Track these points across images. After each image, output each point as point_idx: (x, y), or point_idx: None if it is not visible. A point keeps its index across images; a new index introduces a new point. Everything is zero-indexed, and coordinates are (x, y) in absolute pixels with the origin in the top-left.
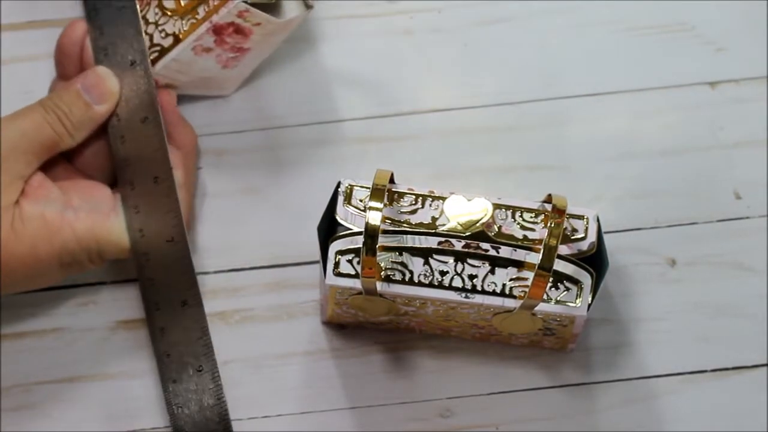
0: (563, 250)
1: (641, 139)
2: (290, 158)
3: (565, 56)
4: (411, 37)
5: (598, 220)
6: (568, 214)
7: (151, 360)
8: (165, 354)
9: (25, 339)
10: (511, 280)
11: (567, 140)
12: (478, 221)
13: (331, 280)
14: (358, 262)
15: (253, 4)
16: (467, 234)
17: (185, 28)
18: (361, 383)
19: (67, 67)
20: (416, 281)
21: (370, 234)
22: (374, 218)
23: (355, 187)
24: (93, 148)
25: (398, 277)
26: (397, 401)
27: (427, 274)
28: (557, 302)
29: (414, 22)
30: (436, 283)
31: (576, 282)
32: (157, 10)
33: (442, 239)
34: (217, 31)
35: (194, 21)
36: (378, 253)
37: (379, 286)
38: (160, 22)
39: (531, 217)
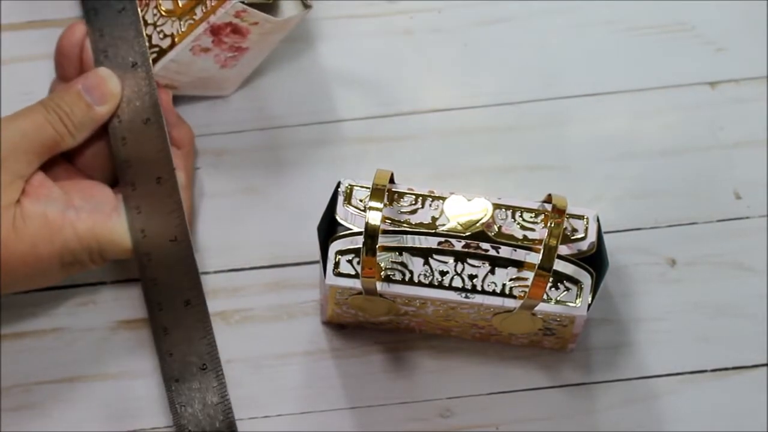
0: (563, 250)
1: (641, 139)
2: (290, 158)
3: (565, 56)
4: (411, 37)
5: (598, 220)
6: (568, 214)
7: (152, 360)
8: (168, 353)
9: (25, 339)
10: (511, 280)
11: (567, 140)
12: (478, 221)
13: (331, 280)
14: (358, 262)
15: (250, 4)
16: (467, 234)
17: (183, 29)
18: (361, 383)
19: (67, 68)
20: (416, 281)
21: (370, 234)
22: (374, 218)
23: (355, 187)
24: (93, 148)
25: (398, 277)
26: (397, 401)
27: (427, 274)
28: (557, 302)
29: (414, 22)
30: (436, 283)
31: (576, 282)
32: (155, 11)
33: (442, 239)
34: (215, 31)
35: (192, 22)
36: (378, 253)
37: (379, 286)
38: (158, 23)
39: (531, 217)
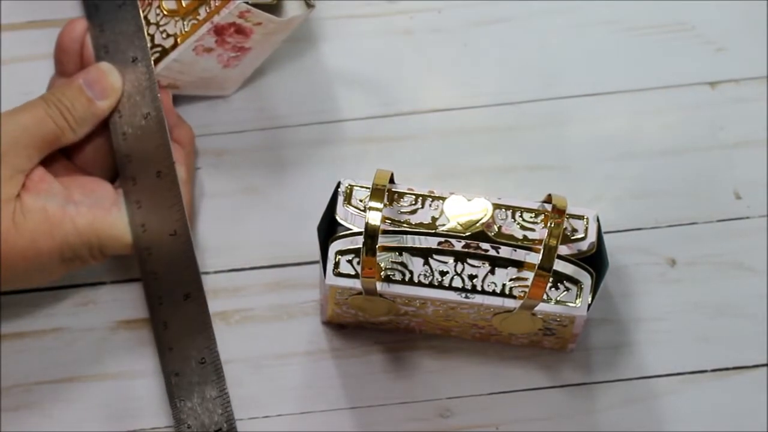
0: (563, 250)
1: (641, 139)
2: (290, 158)
3: (565, 56)
4: (411, 37)
5: (598, 220)
6: (568, 214)
7: (152, 359)
8: (168, 348)
9: (25, 339)
10: (511, 280)
11: (567, 140)
12: (478, 221)
13: (331, 280)
14: (358, 262)
15: (254, 5)
16: (467, 234)
17: (186, 29)
18: (361, 383)
19: (67, 64)
20: (416, 281)
21: (370, 234)
22: (374, 218)
23: (355, 187)
24: (93, 144)
25: (398, 277)
26: (397, 401)
27: (427, 274)
28: (557, 302)
29: (414, 22)
30: (436, 283)
31: (576, 282)
32: (158, 10)
33: (442, 239)
34: (219, 31)
35: (195, 22)
36: (378, 253)
37: (379, 286)
38: (161, 23)
39: (531, 217)
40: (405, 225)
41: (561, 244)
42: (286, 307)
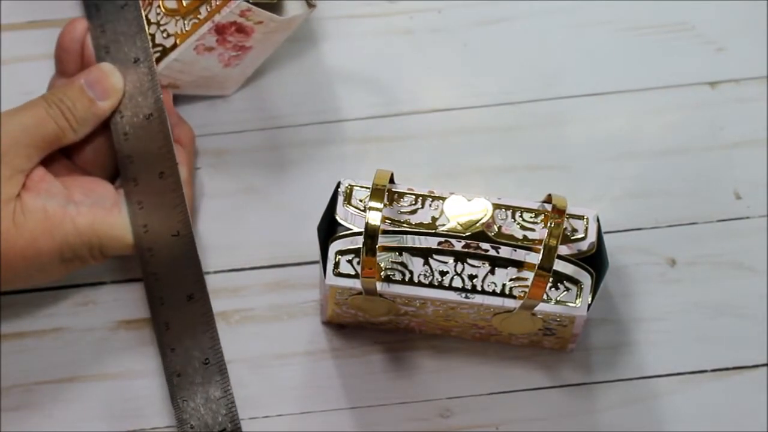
0: (563, 250)
1: (641, 139)
2: (290, 158)
3: (565, 56)
4: (411, 37)
5: (598, 220)
6: (568, 214)
7: (152, 359)
8: (169, 348)
9: (25, 339)
10: (511, 280)
11: (567, 140)
12: (478, 221)
13: (331, 280)
14: (358, 262)
15: (255, 3)
16: (467, 234)
17: (187, 28)
18: (361, 383)
19: (67, 64)
20: (416, 281)
21: (370, 234)
22: (374, 218)
23: (355, 187)
24: (93, 144)
25: (398, 277)
26: (397, 401)
27: (427, 274)
28: (557, 302)
29: (414, 22)
30: (436, 283)
31: (576, 282)
32: (159, 10)
33: (442, 239)
34: (220, 30)
35: (196, 21)
36: (378, 253)
37: (379, 286)
38: (162, 23)
39: (531, 217)
40: (405, 225)
41: (561, 244)
42: (286, 307)
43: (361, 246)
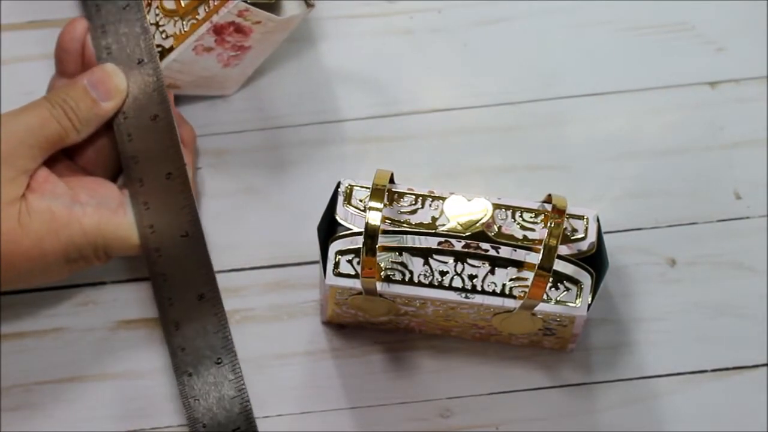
0: (563, 250)
1: (641, 139)
2: (290, 158)
3: (565, 56)
4: (411, 37)
5: (598, 220)
6: (568, 214)
7: (152, 359)
8: (179, 348)
9: (25, 339)
10: (511, 280)
11: (567, 140)
12: (478, 221)
13: (331, 280)
14: (358, 262)
15: (253, 3)
16: (467, 234)
17: (186, 29)
18: (361, 383)
19: (68, 64)
20: (416, 281)
21: (370, 234)
22: (374, 218)
23: (355, 187)
24: (95, 145)
25: (398, 277)
26: (397, 401)
27: (427, 274)
28: (557, 302)
29: (414, 22)
30: (436, 283)
31: (576, 282)
32: (157, 11)
33: (442, 239)
34: (218, 30)
35: (195, 21)
36: (378, 253)
37: (379, 286)
38: (160, 23)
39: (531, 217)
40: (405, 225)
41: (561, 244)
42: (286, 307)
43: (361, 246)
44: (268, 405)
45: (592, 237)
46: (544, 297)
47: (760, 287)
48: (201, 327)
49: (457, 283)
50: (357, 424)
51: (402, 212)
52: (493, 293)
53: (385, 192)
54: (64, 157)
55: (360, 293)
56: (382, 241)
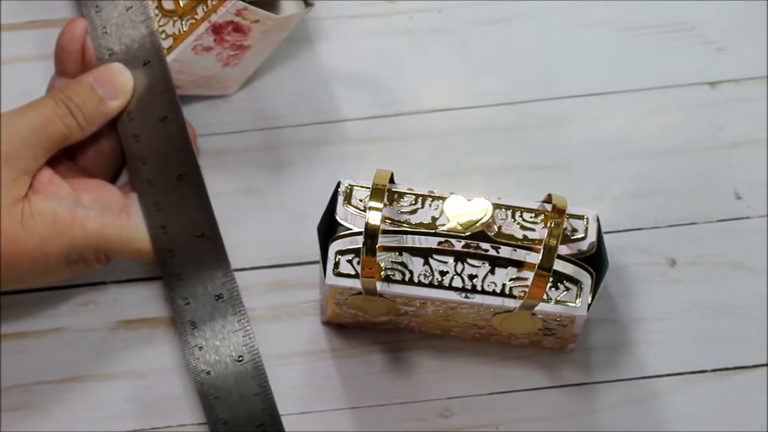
0: (563, 250)
1: (641, 139)
2: (290, 158)
3: (565, 56)
4: (411, 37)
5: (598, 220)
6: (568, 214)
7: (152, 360)
8: (197, 347)
9: (25, 339)
10: (511, 280)
11: (567, 140)
12: (478, 221)
13: (331, 280)
14: (358, 262)
15: (251, 2)
16: (467, 234)
17: (185, 29)
18: (361, 383)
19: (67, 64)
20: (416, 281)
21: (370, 234)
22: (374, 218)
23: (355, 187)
24: (97, 145)
25: (398, 277)
26: (397, 401)
27: (427, 274)
28: (557, 302)
29: (414, 22)
30: (436, 283)
31: (576, 282)
32: (156, 11)
33: (442, 239)
34: (217, 30)
35: (193, 21)
36: (378, 253)
37: (379, 286)
38: (160, 24)
39: (531, 217)
40: (405, 225)
41: (561, 244)
42: (286, 307)
43: (361, 246)
44: None
45: (592, 237)
46: (544, 297)
47: (760, 287)
48: (221, 326)
49: (457, 283)
50: (357, 424)
51: (402, 212)
52: (493, 293)
53: (385, 192)
54: (64, 157)
55: (360, 293)
56: (382, 241)
